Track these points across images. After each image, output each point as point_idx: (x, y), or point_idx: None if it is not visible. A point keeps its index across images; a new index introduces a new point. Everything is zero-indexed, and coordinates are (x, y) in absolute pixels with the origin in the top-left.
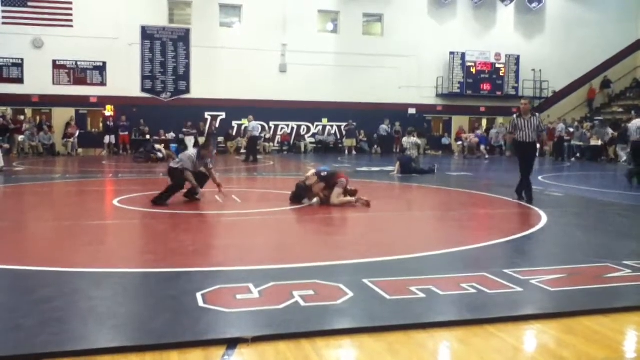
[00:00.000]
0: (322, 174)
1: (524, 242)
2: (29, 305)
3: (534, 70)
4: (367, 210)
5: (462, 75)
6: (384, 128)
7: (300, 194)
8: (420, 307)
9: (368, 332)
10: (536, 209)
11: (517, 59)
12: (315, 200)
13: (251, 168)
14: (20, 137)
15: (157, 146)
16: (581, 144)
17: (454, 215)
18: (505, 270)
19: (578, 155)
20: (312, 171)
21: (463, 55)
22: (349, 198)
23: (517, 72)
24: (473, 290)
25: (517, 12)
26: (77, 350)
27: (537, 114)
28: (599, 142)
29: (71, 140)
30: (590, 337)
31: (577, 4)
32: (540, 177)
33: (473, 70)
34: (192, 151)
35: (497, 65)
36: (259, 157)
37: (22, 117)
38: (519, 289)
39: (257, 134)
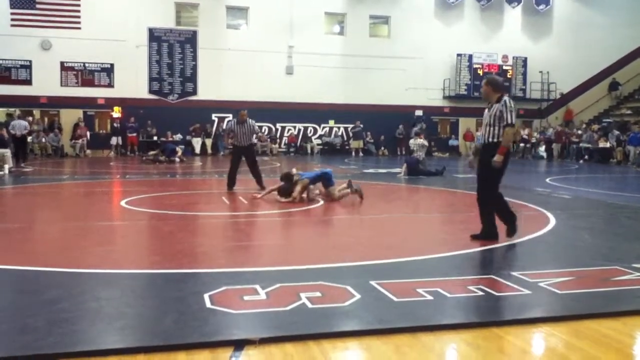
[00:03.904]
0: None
1: (532, 244)
2: (37, 306)
3: (541, 72)
4: (374, 212)
5: (469, 77)
6: (399, 132)
7: (287, 189)
8: (428, 310)
9: (375, 334)
10: (544, 211)
11: (525, 61)
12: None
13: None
14: (29, 138)
15: (178, 148)
16: (589, 145)
17: (461, 217)
18: (513, 273)
19: (586, 157)
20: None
21: (470, 57)
22: (344, 187)
23: (524, 74)
24: (481, 293)
25: (524, 14)
26: (85, 351)
27: (506, 97)
28: (607, 144)
29: (79, 141)
30: (599, 340)
31: (584, 6)
32: (548, 179)
33: (480, 72)
34: None
35: (504, 67)
36: (265, 158)
37: (30, 119)
38: (527, 292)
39: None
